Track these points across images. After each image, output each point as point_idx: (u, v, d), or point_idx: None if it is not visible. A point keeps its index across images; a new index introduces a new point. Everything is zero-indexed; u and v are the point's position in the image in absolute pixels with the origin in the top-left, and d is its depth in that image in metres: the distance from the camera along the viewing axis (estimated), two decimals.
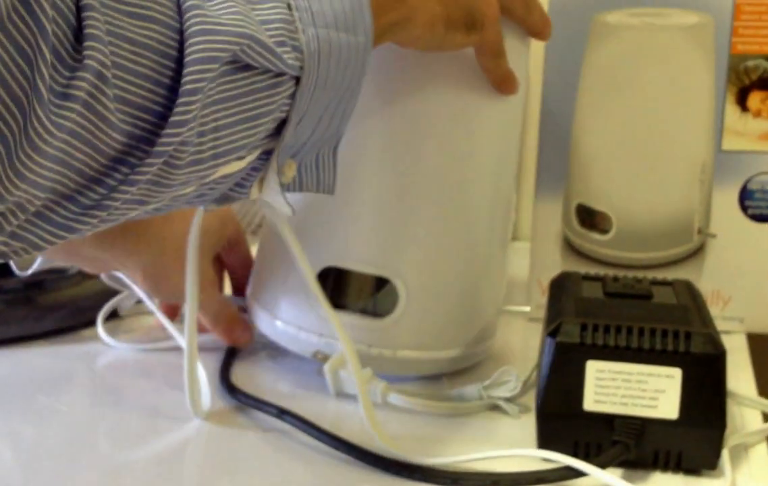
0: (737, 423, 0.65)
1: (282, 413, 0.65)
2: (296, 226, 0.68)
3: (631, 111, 0.81)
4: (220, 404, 0.68)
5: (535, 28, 0.70)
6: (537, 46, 0.82)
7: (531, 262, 0.84)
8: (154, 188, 0.47)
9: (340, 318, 0.68)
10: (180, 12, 0.47)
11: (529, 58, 0.72)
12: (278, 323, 0.72)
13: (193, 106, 0.46)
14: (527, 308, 0.85)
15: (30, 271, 0.78)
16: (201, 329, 0.75)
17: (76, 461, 0.62)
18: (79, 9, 0.42)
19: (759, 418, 0.66)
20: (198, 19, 0.46)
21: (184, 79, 0.46)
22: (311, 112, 0.54)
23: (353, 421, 0.64)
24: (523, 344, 0.80)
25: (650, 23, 0.80)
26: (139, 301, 0.83)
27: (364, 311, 0.71)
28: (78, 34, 0.42)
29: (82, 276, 0.83)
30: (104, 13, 0.43)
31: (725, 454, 0.59)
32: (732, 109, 0.80)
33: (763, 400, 0.68)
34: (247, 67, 0.50)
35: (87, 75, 0.42)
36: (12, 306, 0.81)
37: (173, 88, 0.46)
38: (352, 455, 0.61)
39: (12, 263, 0.78)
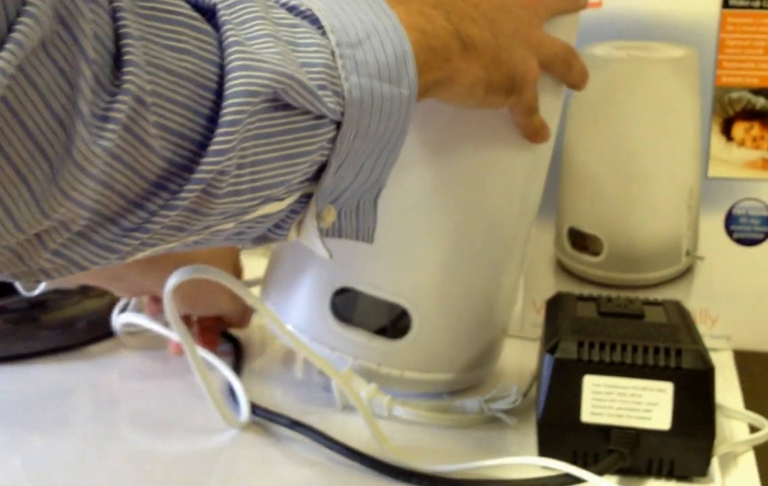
0: (726, 434, 0.69)
1: (294, 424, 0.68)
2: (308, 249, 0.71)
3: (619, 139, 0.84)
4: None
5: (574, 82, 0.72)
6: None
7: (525, 283, 0.88)
8: (192, 216, 0.49)
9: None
10: (221, 48, 0.48)
11: (562, 105, 0.75)
12: (289, 327, 0.75)
13: (232, 137, 0.48)
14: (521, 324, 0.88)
15: (36, 292, 0.81)
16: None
17: (87, 471, 0.65)
18: (117, 37, 0.44)
19: (746, 429, 0.70)
20: (239, 55, 0.48)
21: (225, 110, 0.47)
22: (352, 159, 0.55)
23: (361, 433, 0.67)
24: (518, 360, 0.83)
25: (637, 56, 0.83)
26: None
27: (378, 331, 0.74)
28: (117, 61, 0.44)
29: (83, 295, 0.86)
30: (142, 43, 0.45)
31: (715, 462, 0.63)
32: (717, 139, 0.83)
33: (749, 413, 0.72)
34: (287, 106, 0.51)
35: (127, 99, 0.44)
36: (17, 324, 0.83)
37: (213, 119, 0.48)
38: (363, 463, 0.64)
39: (18, 284, 0.81)
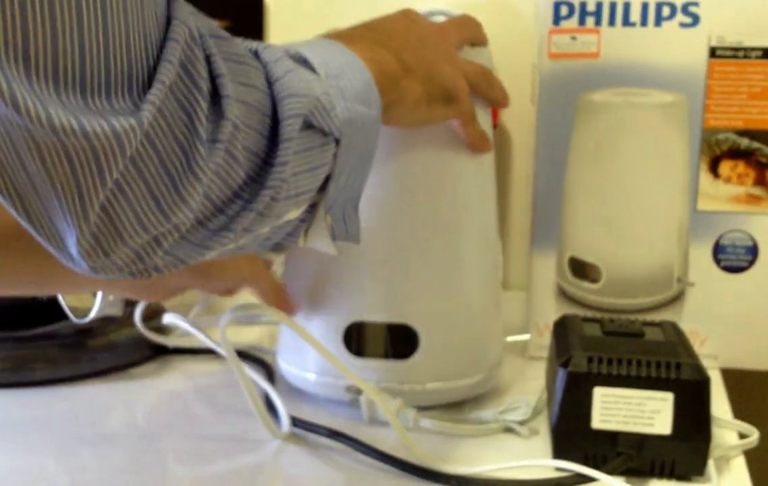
0: (718, 440, 0.76)
1: (334, 434, 0.75)
2: (320, 291, 0.80)
3: (615, 176, 0.90)
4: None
5: (497, 99, 0.82)
6: (531, 118, 0.94)
7: (529, 308, 0.95)
8: (259, 218, 0.58)
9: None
10: (268, 81, 0.58)
11: (490, 122, 0.83)
12: (309, 375, 0.83)
13: (290, 151, 0.58)
14: (526, 336, 0.95)
15: (86, 320, 0.87)
16: None
17: (132, 484, 0.70)
18: (213, 76, 0.53)
19: (736, 436, 0.78)
20: (285, 86, 0.58)
21: (284, 130, 0.57)
22: (344, 171, 0.65)
23: (389, 443, 0.74)
24: (525, 377, 0.90)
25: (631, 101, 0.89)
26: None
27: (390, 354, 0.81)
28: (214, 96, 0.53)
29: (125, 323, 0.92)
30: (231, 79, 0.54)
31: (711, 463, 0.71)
32: (705, 176, 0.90)
33: (738, 422, 0.79)
34: (310, 125, 0.60)
35: (228, 125, 0.53)
36: (66, 349, 0.89)
37: (272, 139, 0.57)
38: (399, 468, 0.71)
39: (70, 313, 0.88)
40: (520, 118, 1.13)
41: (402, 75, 0.71)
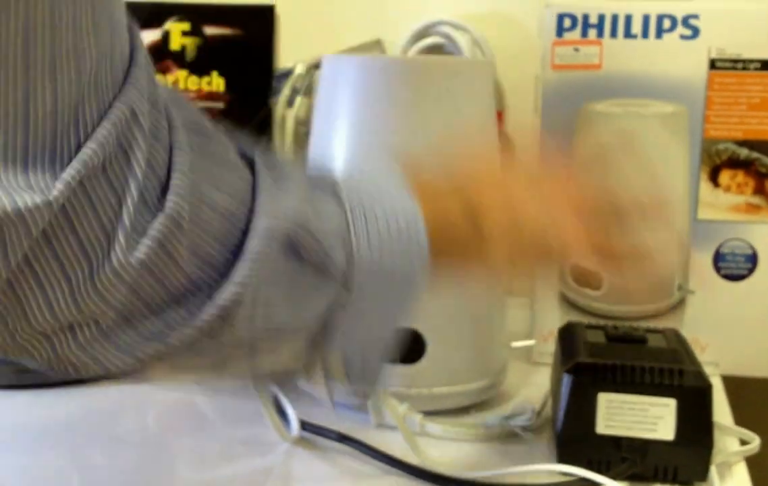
0: (720, 446, 0.77)
1: (343, 438, 0.77)
2: None
3: (617, 186, 0.93)
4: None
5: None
6: (533, 128, 0.95)
7: (533, 315, 0.97)
8: (207, 339, 0.52)
9: None
10: (253, 192, 0.53)
11: (496, 130, 0.84)
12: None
13: (252, 272, 0.52)
14: (532, 342, 0.97)
15: None
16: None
17: (145, 483, 0.72)
18: (169, 169, 0.50)
19: (737, 442, 0.79)
20: (266, 201, 0.53)
21: (248, 246, 0.52)
22: (358, 318, 0.58)
23: (395, 447, 0.76)
24: (529, 382, 0.91)
25: (633, 112, 0.91)
26: None
27: (398, 359, 0.83)
28: (165, 189, 0.49)
29: None
30: (192, 177, 0.50)
31: (713, 469, 0.72)
32: (705, 185, 0.92)
33: (739, 428, 0.81)
34: (299, 256, 0.54)
35: (165, 220, 0.49)
36: None
37: (237, 253, 0.52)
38: (408, 473, 0.73)
39: None
40: (523, 127, 1.15)
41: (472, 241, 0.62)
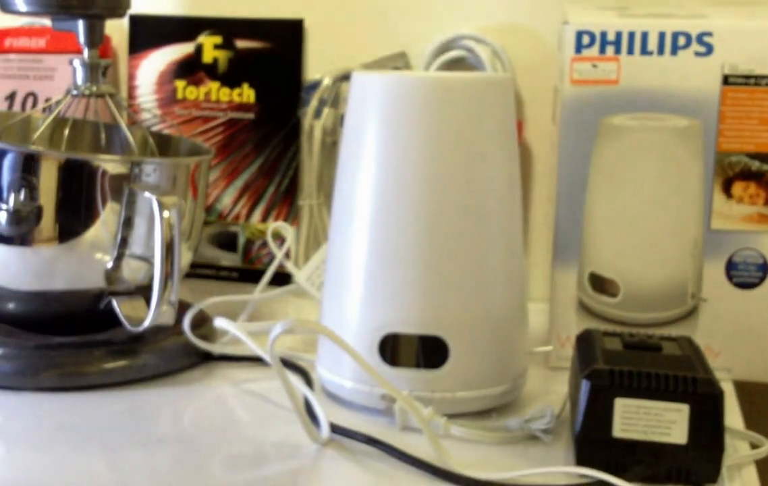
0: (730, 450, 0.81)
1: (371, 441, 0.81)
2: (358, 305, 0.86)
3: (633, 197, 0.95)
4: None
5: None
6: (552, 137, 0.99)
7: (551, 321, 1.00)
8: None
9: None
10: None
11: (516, 139, 0.88)
12: (347, 383, 0.88)
13: None
14: (550, 348, 1.00)
15: (141, 329, 0.93)
16: None
17: (181, 484, 0.75)
18: None
19: (747, 446, 0.83)
20: None
21: None
22: None
23: (420, 449, 0.80)
24: (549, 387, 0.95)
25: (649, 125, 0.94)
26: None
27: (422, 364, 0.87)
28: None
29: (172, 331, 0.97)
30: None
31: (724, 472, 0.76)
32: (719, 196, 0.95)
33: (750, 432, 0.84)
34: None
35: None
36: (119, 354, 0.94)
37: None
38: (434, 475, 0.76)
39: (125, 322, 0.94)
40: (542, 137, 1.19)
41: None
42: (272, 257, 1.16)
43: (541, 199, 1.22)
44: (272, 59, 1.24)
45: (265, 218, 1.25)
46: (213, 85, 1.26)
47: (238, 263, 1.27)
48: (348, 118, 0.89)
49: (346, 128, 0.89)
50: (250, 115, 1.25)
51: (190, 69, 1.27)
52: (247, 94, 1.25)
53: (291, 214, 1.24)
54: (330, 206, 1.22)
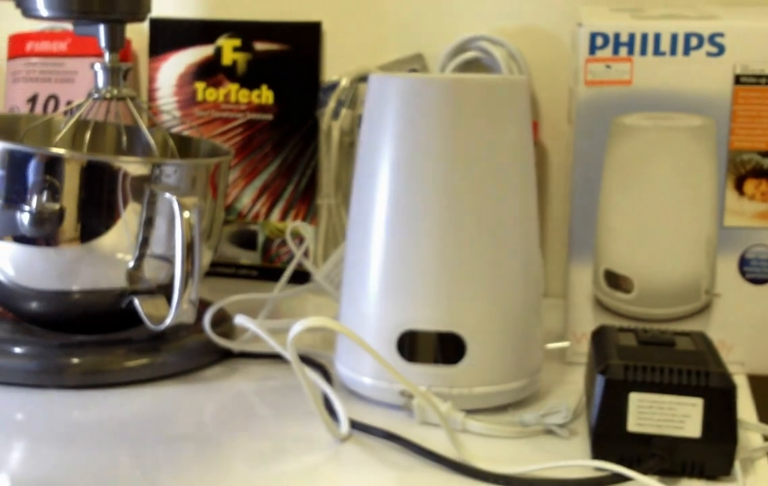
0: (744, 442, 0.82)
1: (390, 436, 0.82)
2: (377, 302, 0.88)
3: (647, 195, 0.96)
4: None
5: None
6: (567, 137, 1.00)
7: (566, 317, 1.02)
8: None
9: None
10: None
11: (531, 138, 0.90)
12: (366, 380, 0.90)
13: None
14: (566, 344, 1.02)
15: (162, 327, 0.95)
16: None
17: (203, 479, 0.76)
18: None
19: (760, 439, 0.84)
20: None
21: None
22: None
23: (438, 443, 0.81)
24: (564, 382, 0.96)
25: (663, 125, 0.95)
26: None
27: (440, 360, 0.88)
28: None
29: (193, 329, 0.99)
30: None
31: (737, 464, 0.77)
32: (731, 193, 0.96)
33: (763, 425, 0.85)
34: None
35: None
36: (141, 353, 0.95)
37: None
38: (452, 469, 0.78)
39: (147, 320, 0.95)
40: (557, 136, 1.20)
41: None
42: (291, 255, 1.18)
43: (557, 196, 1.23)
44: (290, 61, 1.26)
45: (284, 217, 1.27)
46: (232, 87, 1.28)
47: (257, 262, 1.29)
48: (365, 119, 0.90)
49: (364, 129, 0.90)
50: (269, 116, 1.27)
51: (209, 71, 1.28)
52: (265, 95, 1.27)
53: (309, 213, 1.26)
54: (348, 205, 1.24)
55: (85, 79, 1.30)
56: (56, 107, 1.29)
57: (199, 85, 1.28)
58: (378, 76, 0.89)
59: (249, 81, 1.28)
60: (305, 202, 1.26)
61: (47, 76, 1.31)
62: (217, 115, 1.28)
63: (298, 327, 0.78)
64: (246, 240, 1.29)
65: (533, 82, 1.22)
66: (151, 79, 1.30)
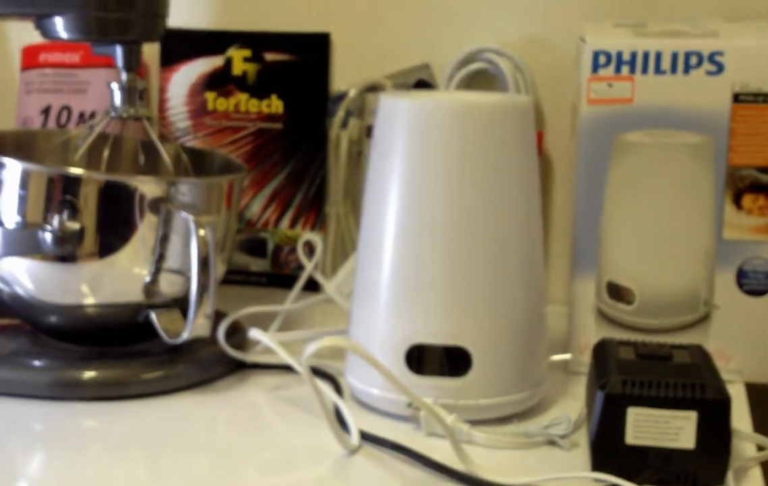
0: (738, 451, 0.84)
1: (399, 448, 0.85)
2: (386, 317, 0.91)
3: (648, 209, 0.99)
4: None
5: None
6: (570, 150, 1.03)
7: (570, 327, 1.04)
8: None
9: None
10: None
11: (535, 150, 0.93)
12: (375, 391, 0.93)
13: None
14: (568, 356, 1.05)
15: (178, 341, 0.97)
16: None
17: None
18: None
19: (754, 448, 0.87)
20: None
21: None
22: None
23: (444, 454, 0.84)
24: (567, 393, 0.99)
25: (663, 142, 0.98)
26: None
27: (447, 373, 0.92)
28: None
29: (207, 342, 1.02)
30: None
31: (730, 474, 0.80)
32: (730, 208, 0.99)
33: (756, 435, 0.88)
34: None
35: None
36: (157, 366, 0.99)
37: None
38: (453, 478, 0.81)
39: (164, 335, 0.98)
40: (562, 149, 1.23)
41: None
42: (300, 263, 1.21)
43: (562, 206, 1.26)
44: (299, 71, 1.28)
45: (293, 225, 1.30)
46: (242, 97, 1.31)
47: (267, 268, 1.32)
48: (375, 138, 0.93)
49: (374, 148, 0.93)
50: (279, 126, 1.29)
51: (220, 81, 1.31)
52: (275, 105, 1.30)
53: (318, 221, 1.29)
54: (356, 213, 1.27)
55: (97, 89, 1.33)
56: (69, 118, 1.32)
57: (210, 95, 1.31)
58: (388, 97, 0.92)
59: (259, 91, 1.30)
60: (314, 210, 1.29)
61: (60, 87, 1.33)
62: (228, 124, 1.31)
63: (312, 348, 0.81)
64: (256, 247, 1.32)
65: (538, 92, 1.25)
66: (163, 89, 1.33)
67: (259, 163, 1.30)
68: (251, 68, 1.30)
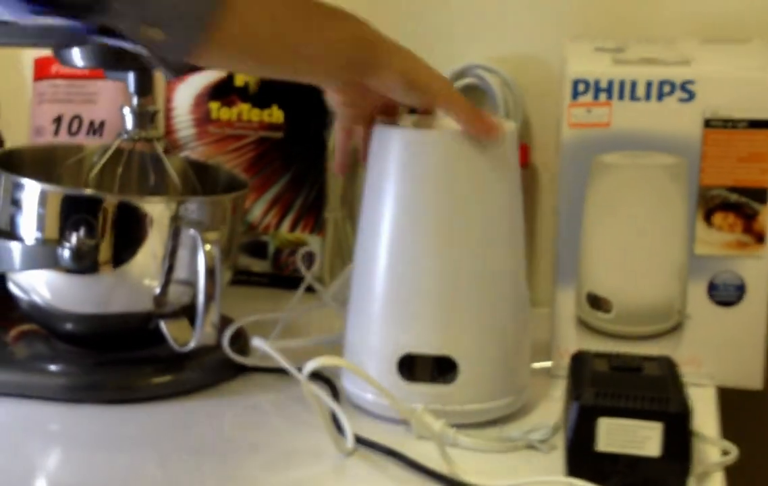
0: (702, 456, 0.91)
1: (391, 453, 0.92)
2: (379, 329, 0.98)
3: (625, 225, 1.05)
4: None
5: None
6: (555, 163, 1.09)
7: (552, 335, 1.10)
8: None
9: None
10: None
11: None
12: (369, 396, 1.00)
13: None
14: (549, 364, 1.11)
15: (187, 348, 1.04)
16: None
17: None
18: None
19: (718, 453, 0.93)
20: None
21: None
22: None
23: (431, 456, 0.91)
24: (548, 397, 1.06)
25: (638, 162, 1.04)
26: None
27: (436, 380, 0.99)
28: None
29: (212, 347, 1.08)
30: None
31: (692, 480, 0.86)
32: (701, 225, 1.04)
33: (721, 440, 0.94)
34: None
35: None
36: (164, 370, 1.05)
37: None
38: (441, 482, 0.88)
39: (172, 342, 1.05)
40: (547, 162, 1.29)
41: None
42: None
43: (549, 213, 1.32)
44: (299, 83, 1.34)
45: (293, 228, 1.36)
46: (244, 107, 1.36)
47: (268, 269, 1.38)
48: (370, 163, 1.00)
49: (369, 173, 1.00)
50: (279, 135, 1.35)
51: (223, 92, 1.37)
52: (276, 115, 1.35)
53: (317, 225, 1.35)
54: (353, 219, 1.33)
55: (107, 99, 1.38)
56: (80, 126, 1.37)
57: (213, 105, 1.37)
58: (382, 127, 0.99)
59: (260, 101, 1.36)
60: (313, 215, 1.35)
61: (71, 97, 1.38)
62: (231, 132, 1.36)
63: (311, 365, 0.88)
64: (257, 249, 1.38)
65: (525, 106, 1.31)
66: (168, 99, 1.39)
67: (261, 169, 1.36)
68: (253, 79, 1.36)
